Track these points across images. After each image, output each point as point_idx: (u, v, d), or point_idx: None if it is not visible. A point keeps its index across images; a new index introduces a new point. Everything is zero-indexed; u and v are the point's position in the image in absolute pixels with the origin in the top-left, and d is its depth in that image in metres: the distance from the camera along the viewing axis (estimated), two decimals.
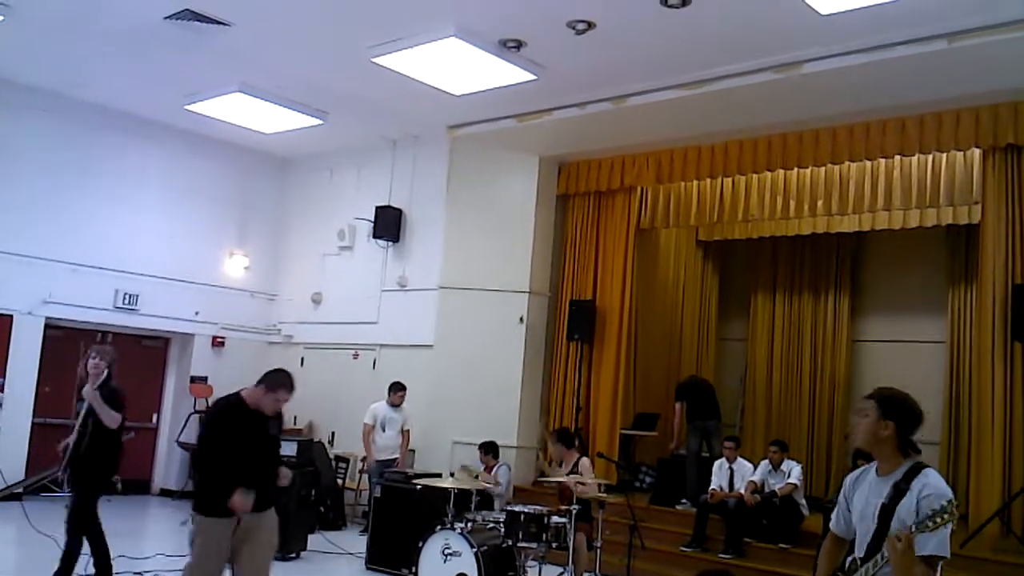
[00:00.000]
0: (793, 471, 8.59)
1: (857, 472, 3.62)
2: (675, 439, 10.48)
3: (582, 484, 6.87)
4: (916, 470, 3.34)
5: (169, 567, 7.13)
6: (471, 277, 10.85)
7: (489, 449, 9.39)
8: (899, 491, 3.31)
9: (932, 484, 3.28)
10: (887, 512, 3.31)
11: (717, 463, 9.07)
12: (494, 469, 9.31)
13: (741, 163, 9.73)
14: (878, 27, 7.19)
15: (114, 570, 6.42)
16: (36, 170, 10.56)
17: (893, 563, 3.16)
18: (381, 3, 7.57)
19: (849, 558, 3.51)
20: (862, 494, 3.49)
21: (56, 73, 10.06)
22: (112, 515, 8.24)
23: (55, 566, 6.19)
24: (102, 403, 6.12)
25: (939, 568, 3.20)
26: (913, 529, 3.12)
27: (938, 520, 3.07)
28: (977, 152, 8.64)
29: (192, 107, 10.57)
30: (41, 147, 10.62)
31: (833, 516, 3.72)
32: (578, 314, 10.70)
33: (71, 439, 6.26)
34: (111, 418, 6.18)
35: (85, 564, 6.31)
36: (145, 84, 10.22)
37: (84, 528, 6.24)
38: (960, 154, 8.86)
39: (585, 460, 7.53)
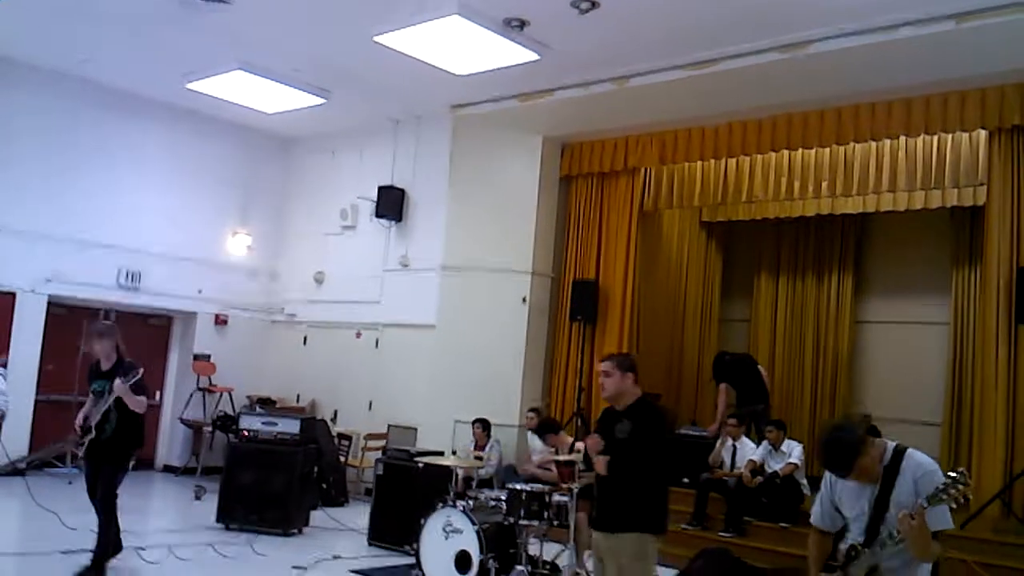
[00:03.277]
0: (794, 451, 8.61)
1: None
2: (716, 423, 9.88)
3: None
4: (900, 453, 3.39)
5: (171, 542, 7.17)
6: (474, 257, 10.81)
7: (484, 426, 9.71)
8: (890, 475, 3.36)
9: (924, 464, 3.36)
10: (883, 498, 3.36)
11: (719, 441, 9.09)
12: (486, 447, 9.40)
13: (745, 144, 9.67)
14: (885, 7, 7.15)
15: (123, 545, 6.48)
16: (38, 148, 10.54)
17: (909, 540, 3.18)
18: None
19: (844, 545, 3.53)
20: (851, 485, 3.52)
21: (57, 51, 10.02)
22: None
23: (92, 544, 6.23)
24: (131, 394, 6.10)
25: None
26: (925, 504, 3.13)
27: (952, 492, 3.09)
28: (983, 133, 8.58)
29: (193, 85, 10.53)
30: (43, 125, 10.58)
31: (816, 512, 3.72)
32: (581, 295, 10.68)
33: (92, 420, 6.20)
34: (139, 404, 6.20)
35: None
36: (146, 62, 10.18)
37: (112, 505, 6.27)
38: (965, 135, 8.79)
39: (580, 444, 7.53)
